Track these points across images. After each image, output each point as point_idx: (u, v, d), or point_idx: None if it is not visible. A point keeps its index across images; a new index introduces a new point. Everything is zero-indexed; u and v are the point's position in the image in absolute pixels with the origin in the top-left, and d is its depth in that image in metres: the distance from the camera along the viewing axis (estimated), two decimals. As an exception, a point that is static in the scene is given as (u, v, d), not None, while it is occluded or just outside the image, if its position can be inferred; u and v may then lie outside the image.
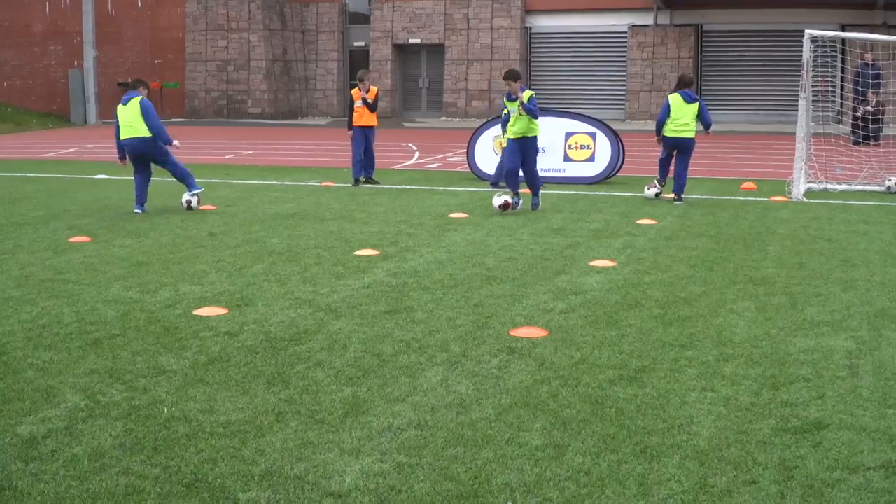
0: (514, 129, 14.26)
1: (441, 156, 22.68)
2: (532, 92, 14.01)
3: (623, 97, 35.58)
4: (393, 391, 6.36)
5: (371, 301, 8.78)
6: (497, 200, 14.18)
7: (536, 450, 5.39)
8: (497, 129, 18.34)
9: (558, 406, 6.07)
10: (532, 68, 36.81)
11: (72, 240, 11.99)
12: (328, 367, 6.87)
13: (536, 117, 13.97)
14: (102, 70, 38.91)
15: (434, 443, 5.48)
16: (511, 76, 14.14)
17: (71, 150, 26.64)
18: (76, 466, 5.22)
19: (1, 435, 5.66)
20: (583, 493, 4.86)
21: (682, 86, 15.01)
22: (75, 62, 39.06)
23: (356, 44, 39.00)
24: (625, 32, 35.60)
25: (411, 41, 37.53)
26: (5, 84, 39.86)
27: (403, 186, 17.06)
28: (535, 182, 14.46)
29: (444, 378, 6.61)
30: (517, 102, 13.94)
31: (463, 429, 5.69)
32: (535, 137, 14.26)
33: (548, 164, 17.39)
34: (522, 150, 14.18)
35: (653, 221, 13.30)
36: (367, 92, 17.66)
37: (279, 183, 18.08)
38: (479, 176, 18.33)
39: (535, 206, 14.39)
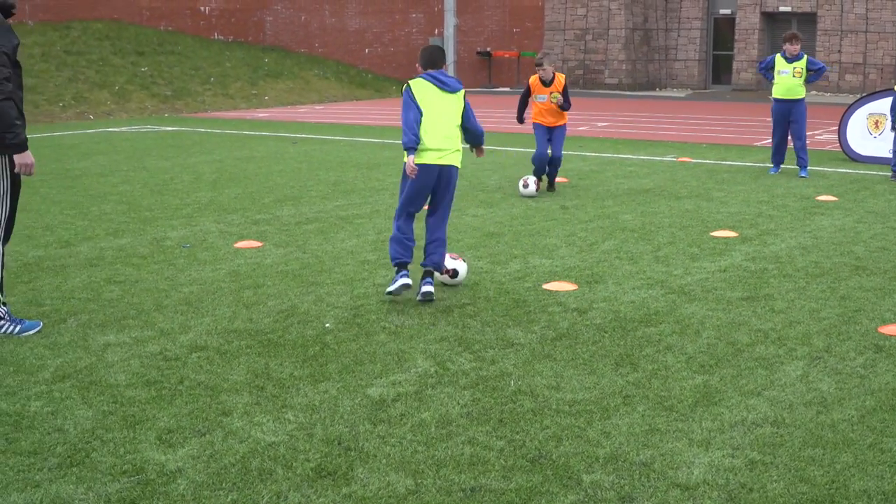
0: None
1: (809, 133, 21.81)
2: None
3: None
4: (748, 383, 6.23)
5: (727, 286, 8.62)
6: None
7: (900, 457, 5.15)
8: (873, 105, 17.43)
9: (931, 413, 5.75)
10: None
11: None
12: (679, 353, 6.82)
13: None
14: (462, 38, 40.26)
15: (791, 442, 5.33)
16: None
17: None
18: (423, 432, 5.48)
19: (352, 395, 6.03)
20: (958, 511, 4.58)
21: None
22: (436, 30, 40.62)
23: (722, 11, 38.16)
24: None
25: (781, 9, 36.26)
26: (366, 51, 42.06)
27: (765, 165, 16.57)
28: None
29: (804, 373, 6.40)
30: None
31: (822, 429, 5.50)
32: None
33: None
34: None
35: None
36: (552, 82, 13.57)
37: (633, 157, 18.05)
38: (851, 157, 17.51)
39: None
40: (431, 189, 8.37)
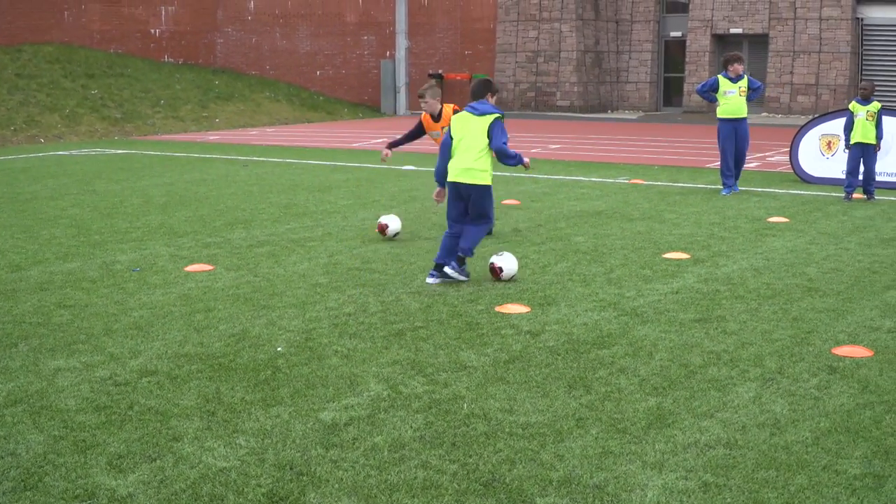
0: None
1: (760, 155, 22.07)
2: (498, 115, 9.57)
3: (970, 96, 33.34)
4: (701, 405, 6.26)
5: (679, 307, 8.67)
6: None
7: (854, 479, 5.19)
8: (826, 126, 17.65)
9: (881, 433, 5.80)
10: (864, 62, 35.16)
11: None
12: (632, 375, 6.85)
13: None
14: (414, 60, 40.36)
15: (744, 463, 5.36)
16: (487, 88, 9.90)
17: (380, 140, 27.76)
18: (376, 456, 5.46)
19: (304, 420, 6.00)
20: (909, 531, 4.62)
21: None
22: (387, 52, 40.69)
23: (672, 34, 38.56)
24: (975, 24, 33.35)
25: (732, 31, 36.69)
26: (318, 73, 42.01)
27: (716, 187, 16.72)
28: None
29: (757, 395, 6.45)
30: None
31: (776, 451, 5.53)
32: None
33: (882, 166, 16.52)
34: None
35: None
36: (441, 117, 12.31)
37: (586, 179, 18.15)
38: (803, 178, 17.71)
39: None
40: (459, 203, 9.66)
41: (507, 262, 9.74)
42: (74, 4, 37.92)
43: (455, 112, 11.92)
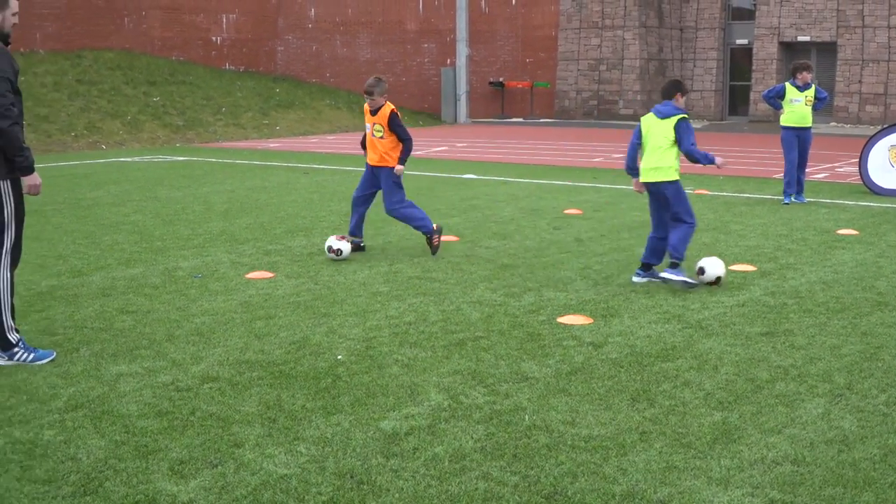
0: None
1: (829, 165, 21.84)
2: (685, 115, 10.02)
3: None
4: (768, 420, 6.21)
5: (746, 321, 8.60)
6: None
7: (924, 497, 5.12)
8: (895, 137, 17.42)
9: (954, 452, 5.72)
10: (938, 72, 34.65)
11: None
12: (697, 389, 6.81)
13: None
14: (474, 68, 40.43)
15: (811, 480, 5.31)
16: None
17: (441, 148, 27.84)
18: (436, 466, 5.47)
19: (364, 428, 6.03)
20: (983, 552, 4.55)
21: None
22: (448, 60, 40.80)
23: (738, 41, 38.29)
24: None
25: (800, 39, 36.35)
26: (379, 80, 42.17)
27: (783, 198, 16.55)
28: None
29: (825, 411, 6.38)
30: None
31: (844, 468, 5.47)
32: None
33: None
34: None
35: None
36: (377, 113, 11.55)
37: (649, 189, 18.02)
38: (872, 189, 17.49)
39: None
40: (654, 202, 10.15)
41: (711, 265, 9.94)
42: (135, 11, 38.43)
43: (392, 112, 11.51)
